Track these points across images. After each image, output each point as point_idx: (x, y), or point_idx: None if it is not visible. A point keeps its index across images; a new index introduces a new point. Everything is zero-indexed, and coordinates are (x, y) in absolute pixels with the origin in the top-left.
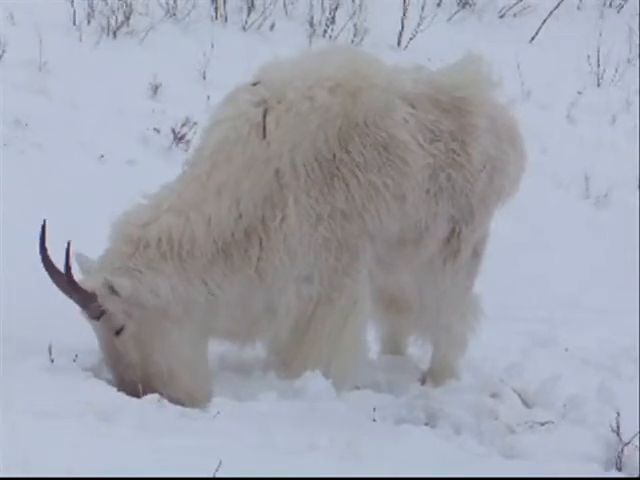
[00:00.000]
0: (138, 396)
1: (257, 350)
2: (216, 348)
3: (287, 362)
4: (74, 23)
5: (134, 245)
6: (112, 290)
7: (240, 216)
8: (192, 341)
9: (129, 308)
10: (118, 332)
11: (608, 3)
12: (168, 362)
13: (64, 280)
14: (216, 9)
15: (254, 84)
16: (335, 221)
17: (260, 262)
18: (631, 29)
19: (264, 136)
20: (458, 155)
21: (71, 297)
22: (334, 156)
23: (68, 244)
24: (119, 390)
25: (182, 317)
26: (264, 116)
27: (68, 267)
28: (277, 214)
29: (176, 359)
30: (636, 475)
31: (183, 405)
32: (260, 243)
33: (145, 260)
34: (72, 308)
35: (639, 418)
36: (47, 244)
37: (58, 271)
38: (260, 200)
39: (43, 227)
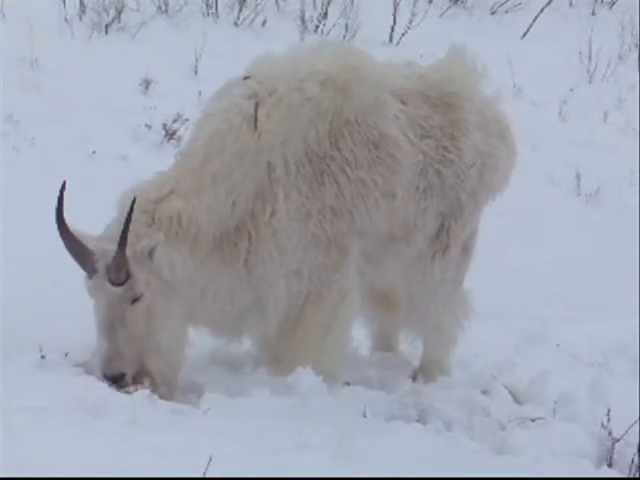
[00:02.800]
0: (127, 375)
1: (248, 346)
2: (208, 344)
3: (277, 358)
4: (65, 19)
5: (150, 216)
6: (150, 255)
7: (233, 207)
8: (183, 321)
9: (149, 276)
10: (134, 300)
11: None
12: (168, 335)
13: (78, 244)
14: (207, 5)
15: (245, 78)
16: (325, 217)
17: (249, 256)
18: (623, 26)
19: (256, 128)
20: (448, 151)
21: (84, 265)
22: (325, 153)
23: (133, 201)
24: (105, 377)
25: (183, 296)
26: (256, 109)
27: (126, 227)
28: (267, 209)
29: (174, 334)
30: (626, 472)
31: (157, 384)
32: (249, 237)
33: (163, 233)
34: (63, 305)
35: (639, 416)
36: (65, 212)
37: (71, 235)
38: (251, 194)
39: (62, 189)
